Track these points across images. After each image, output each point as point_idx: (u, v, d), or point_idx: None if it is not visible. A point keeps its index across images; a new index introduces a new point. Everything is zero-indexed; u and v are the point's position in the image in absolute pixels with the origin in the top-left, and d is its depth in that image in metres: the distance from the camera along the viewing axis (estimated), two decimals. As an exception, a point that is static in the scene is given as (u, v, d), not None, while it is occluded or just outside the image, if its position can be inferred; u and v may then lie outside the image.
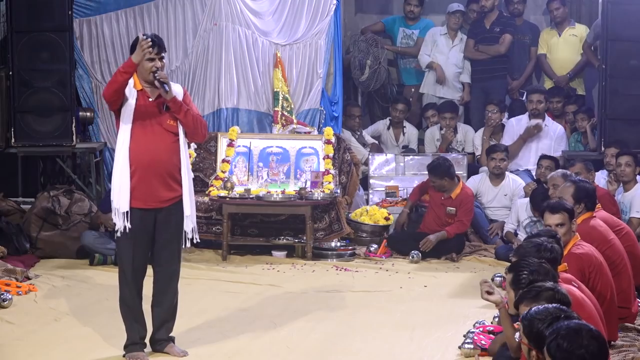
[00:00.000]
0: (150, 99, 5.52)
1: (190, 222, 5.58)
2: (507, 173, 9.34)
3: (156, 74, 5.45)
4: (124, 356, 5.55)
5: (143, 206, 5.47)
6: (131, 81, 5.52)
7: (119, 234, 5.47)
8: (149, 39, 5.39)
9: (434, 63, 10.59)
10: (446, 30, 10.65)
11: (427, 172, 8.88)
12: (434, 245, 8.52)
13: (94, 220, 8.49)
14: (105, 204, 8.40)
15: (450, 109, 10.27)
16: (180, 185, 5.55)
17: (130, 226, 5.43)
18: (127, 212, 5.42)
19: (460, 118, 10.53)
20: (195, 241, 5.65)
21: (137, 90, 5.50)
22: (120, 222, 5.43)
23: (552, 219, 5.58)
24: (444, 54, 10.62)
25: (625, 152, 8.27)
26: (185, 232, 5.58)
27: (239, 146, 9.18)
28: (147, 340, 5.65)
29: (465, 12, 10.69)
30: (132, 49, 5.52)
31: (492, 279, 7.52)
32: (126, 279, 5.53)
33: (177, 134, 5.55)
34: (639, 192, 8.12)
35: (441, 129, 10.23)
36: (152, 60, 5.46)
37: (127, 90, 5.49)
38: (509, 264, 6.74)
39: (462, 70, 10.66)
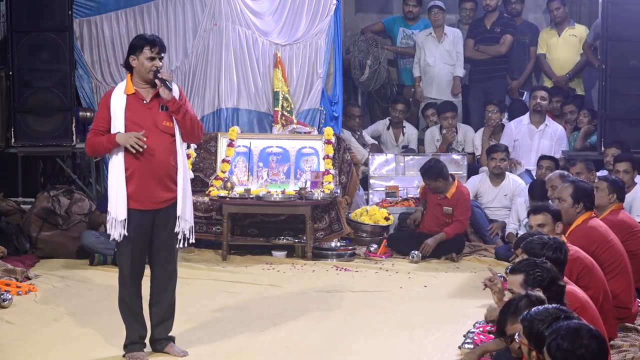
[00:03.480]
0: (145, 102, 5.49)
1: (183, 223, 5.56)
2: (507, 173, 9.34)
3: (158, 73, 5.43)
4: (123, 356, 5.55)
5: (141, 207, 5.45)
6: (122, 86, 5.48)
7: (117, 240, 5.46)
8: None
9: (417, 85, 10.65)
10: (432, 30, 10.63)
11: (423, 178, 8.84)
12: (434, 247, 8.53)
13: (92, 219, 8.49)
14: (103, 204, 8.40)
15: (450, 108, 10.28)
16: (177, 185, 5.55)
17: (127, 233, 5.42)
18: (124, 220, 5.41)
19: (458, 117, 10.52)
20: (190, 241, 5.64)
21: (128, 95, 5.46)
22: (117, 230, 5.41)
23: (534, 220, 5.69)
24: (433, 56, 10.60)
25: (622, 158, 8.22)
26: (177, 232, 5.56)
27: (239, 146, 9.18)
28: (146, 340, 5.65)
29: (443, 8, 10.63)
30: (130, 49, 5.50)
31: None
32: (125, 280, 5.52)
33: (173, 135, 5.51)
34: (639, 194, 8.12)
35: (442, 129, 10.23)
36: (152, 59, 5.43)
37: (113, 100, 5.45)
38: (509, 264, 6.80)
39: (455, 64, 10.60)
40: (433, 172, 8.67)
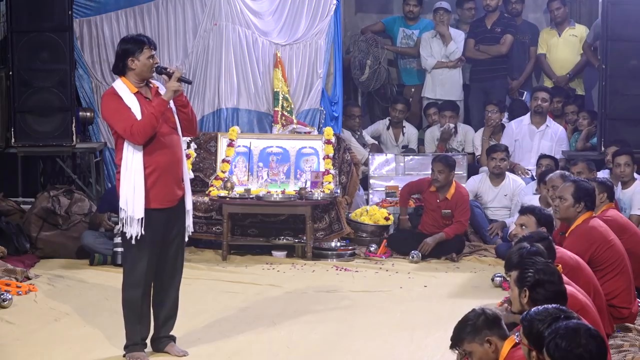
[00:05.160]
0: (149, 100, 5.49)
1: (190, 216, 5.62)
2: (507, 173, 9.34)
3: (167, 69, 5.50)
4: (124, 356, 5.54)
5: (160, 206, 5.45)
6: (123, 87, 5.44)
7: (132, 240, 5.40)
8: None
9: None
10: (436, 32, 10.62)
11: (433, 164, 8.73)
12: (433, 247, 8.53)
13: (92, 221, 8.46)
14: (103, 205, 8.40)
15: (451, 107, 10.28)
16: (184, 181, 5.60)
17: (143, 232, 5.38)
18: (141, 218, 5.37)
19: (460, 118, 10.52)
20: (189, 232, 5.66)
21: (135, 94, 5.46)
22: (135, 229, 5.38)
23: (518, 220, 5.93)
24: (437, 57, 10.59)
25: (623, 152, 8.27)
26: (187, 226, 5.61)
27: (239, 146, 9.18)
28: (147, 341, 5.65)
29: (448, 10, 10.63)
30: (127, 53, 5.42)
31: (492, 279, 7.54)
32: (141, 281, 5.47)
33: (178, 130, 5.57)
34: (638, 189, 8.14)
35: (441, 127, 10.21)
36: (152, 57, 5.47)
37: (124, 99, 5.42)
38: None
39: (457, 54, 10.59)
40: (449, 160, 8.72)
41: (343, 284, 7.62)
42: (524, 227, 5.81)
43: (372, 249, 8.74)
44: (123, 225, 5.40)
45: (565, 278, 4.89)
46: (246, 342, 5.96)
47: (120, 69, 5.49)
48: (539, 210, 5.97)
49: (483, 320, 4.21)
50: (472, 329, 4.23)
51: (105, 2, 9.63)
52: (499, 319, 4.24)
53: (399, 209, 9.14)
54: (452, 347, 4.38)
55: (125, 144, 5.40)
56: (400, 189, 9.54)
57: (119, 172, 5.46)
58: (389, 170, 9.92)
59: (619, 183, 8.30)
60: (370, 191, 9.85)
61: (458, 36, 10.59)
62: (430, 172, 9.28)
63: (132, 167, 5.37)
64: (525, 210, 5.96)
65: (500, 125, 10.08)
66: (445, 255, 8.59)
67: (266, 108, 9.54)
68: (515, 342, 4.03)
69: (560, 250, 5.47)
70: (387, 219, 9.09)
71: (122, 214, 5.40)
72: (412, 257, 8.46)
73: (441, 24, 10.53)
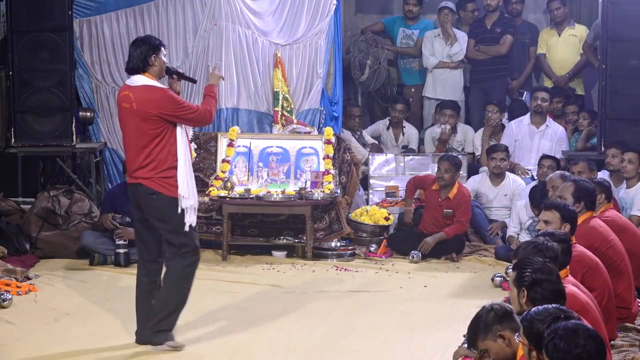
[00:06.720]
0: None
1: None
2: (507, 173, 9.33)
3: (179, 69, 6.01)
4: (164, 344, 5.66)
5: None
6: (157, 83, 5.72)
7: (187, 228, 5.64)
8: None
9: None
10: (439, 31, 10.62)
11: (439, 162, 8.75)
12: (433, 246, 8.53)
13: (97, 225, 8.36)
14: (105, 207, 8.39)
15: (451, 106, 10.26)
16: None
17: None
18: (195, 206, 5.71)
19: (460, 118, 10.51)
20: None
21: None
22: (194, 217, 5.66)
23: (542, 215, 5.70)
24: (440, 56, 10.58)
25: (631, 149, 8.28)
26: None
27: (239, 146, 9.18)
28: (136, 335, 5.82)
29: (453, 10, 10.62)
30: (151, 50, 5.69)
31: (492, 279, 7.54)
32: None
33: None
34: (641, 189, 8.17)
35: (440, 126, 10.19)
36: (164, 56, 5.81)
37: None
38: (509, 264, 6.80)
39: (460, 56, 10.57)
40: (456, 159, 8.74)
41: (343, 284, 7.63)
42: (547, 223, 5.58)
43: (372, 249, 8.74)
44: (184, 216, 5.60)
45: (570, 278, 4.90)
46: (246, 342, 5.96)
47: (140, 66, 5.69)
48: (564, 206, 5.66)
49: (492, 316, 4.21)
50: (483, 327, 4.22)
51: (105, 2, 9.62)
52: (509, 312, 4.23)
53: (405, 201, 9.15)
54: (468, 347, 4.38)
55: (179, 135, 5.68)
56: (400, 189, 9.56)
57: (168, 169, 5.62)
58: (389, 170, 9.92)
59: (624, 181, 8.31)
60: (370, 191, 9.85)
61: (462, 37, 10.58)
62: (430, 171, 9.31)
63: (186, 157, 5.67)
64: (549, 206, 5.68)
65: (500, 125, 10.07)
66: (445, 255, 8.59)
67: (266, 108, 9.54)
68: None
69: (581, 249, 5.47)
70: (387, 219, 9.09)
71: (185, 203, 5.61)
72: (412, 257, 8.46)
73: (446, 23, 10.51)
